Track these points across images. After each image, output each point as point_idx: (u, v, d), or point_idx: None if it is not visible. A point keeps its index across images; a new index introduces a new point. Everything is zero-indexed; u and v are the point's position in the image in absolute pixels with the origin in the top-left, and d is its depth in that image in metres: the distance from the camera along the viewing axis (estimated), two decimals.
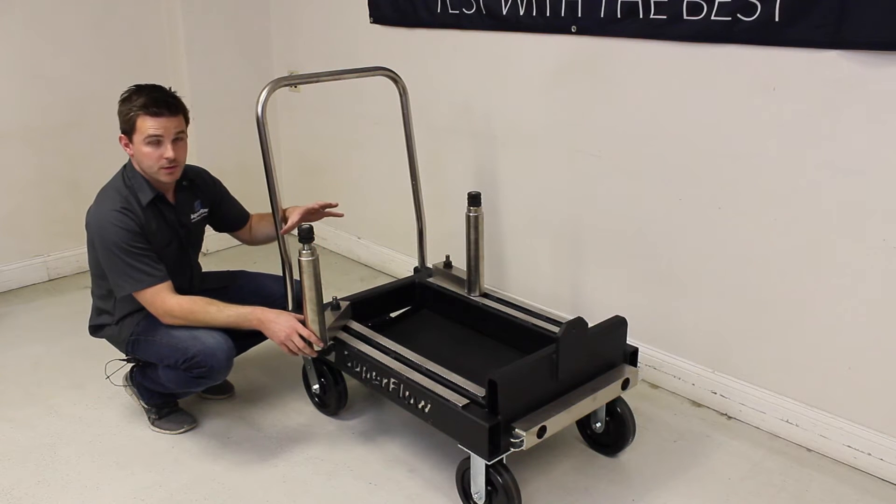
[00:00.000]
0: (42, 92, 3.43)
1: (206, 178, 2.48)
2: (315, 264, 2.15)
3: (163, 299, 2.19)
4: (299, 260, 2.14)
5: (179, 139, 2.22)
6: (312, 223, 2.17)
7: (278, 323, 2.19)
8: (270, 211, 2.31)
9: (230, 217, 2.57)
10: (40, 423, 2.49)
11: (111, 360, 2.46)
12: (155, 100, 2.16)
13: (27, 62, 3.37)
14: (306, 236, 2.12)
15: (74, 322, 2.99)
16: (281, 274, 2.35)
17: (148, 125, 2.15)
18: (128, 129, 2.18)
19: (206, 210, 2.46)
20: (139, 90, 2.19)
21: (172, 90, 2.24)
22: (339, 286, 3.29)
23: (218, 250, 3.86)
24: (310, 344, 2.19)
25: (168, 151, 2.18)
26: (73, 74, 3.49)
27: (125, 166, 2.28)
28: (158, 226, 2.28)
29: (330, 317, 2.32)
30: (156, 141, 2.16)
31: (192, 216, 2.41)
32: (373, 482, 2.19)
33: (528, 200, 2.92)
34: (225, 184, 2.56)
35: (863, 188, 2.04)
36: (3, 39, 3.29)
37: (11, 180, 3.44)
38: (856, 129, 2.02)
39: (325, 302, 2.27)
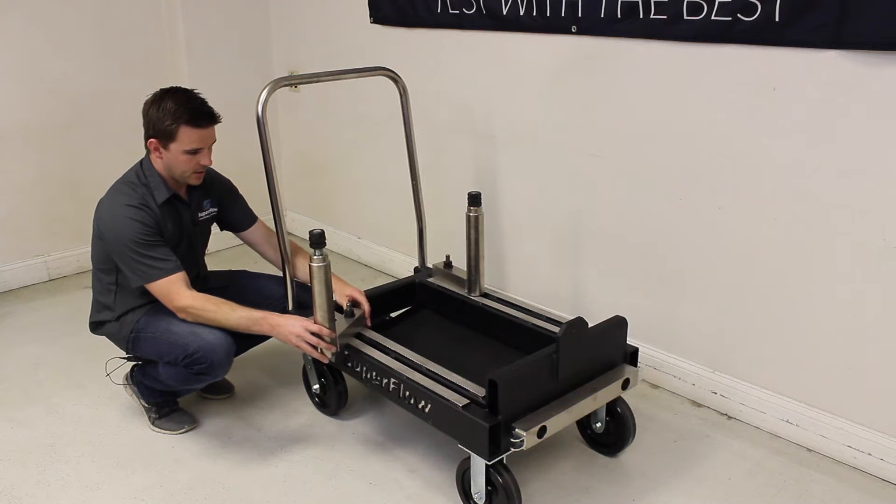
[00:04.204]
0: (42, 92, 3.43)
1: (215, 177, 2.48)
2: (326, 270, 2.11)
3: (177, 292, 2.18)
4: (310, 266, 2.10)
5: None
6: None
7: (287, 326, 2.18)
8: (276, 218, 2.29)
9: (235, 215, 2.54)
10: (40, 423, 2.49)
11: (112, 358, 2.46)
12: (199, 112, 2.18)
13: (28, 62, 3.36)
14: (318, 241, 2.07)
15: (74, 322, 3.00)
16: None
17: (192, 137, 2.17)
18: (164, 137, 2.18)
19: (214, 209, 2.46)
20: (176, 98, 2.17)
21: (198, 93, 2.23)
22: None
23: (219, 250, 3.86)
24: (322, 346, 2.18)
25: (205, 159, 2.23)
26: (74, 74, 3.49)
27: (141, 163, 2.28)
28: (173, 224, 2.29)
29: (343, 323, 2.28)
30: (196, 150, 2.20)
31: (201, 214, 2.42)
32: (373, 482, 2.19)
33: (528, 200, 2.92)
34: None
35: (863, 188, 2.04)
36: (4, 39, 3.29)
37: (11, 180, 3.44)
38: (856, 130, 2.02)
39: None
